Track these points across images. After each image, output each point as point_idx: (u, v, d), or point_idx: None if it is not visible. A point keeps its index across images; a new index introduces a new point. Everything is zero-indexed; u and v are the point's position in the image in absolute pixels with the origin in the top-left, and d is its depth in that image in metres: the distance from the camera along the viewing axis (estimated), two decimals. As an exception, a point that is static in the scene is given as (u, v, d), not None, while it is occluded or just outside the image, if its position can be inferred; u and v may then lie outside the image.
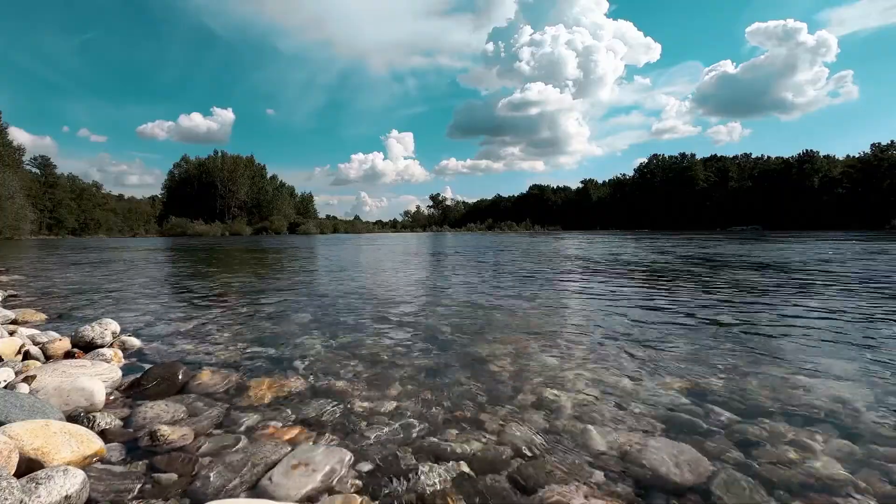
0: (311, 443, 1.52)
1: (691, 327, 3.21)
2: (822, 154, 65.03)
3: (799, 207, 62.10)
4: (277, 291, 5.34)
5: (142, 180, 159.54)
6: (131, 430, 1.61)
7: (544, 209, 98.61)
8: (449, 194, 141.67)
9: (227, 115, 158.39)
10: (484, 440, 1.55)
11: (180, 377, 2.06)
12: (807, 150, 65.34)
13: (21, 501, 1.03)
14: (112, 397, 1.89)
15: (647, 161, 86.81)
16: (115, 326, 2.78)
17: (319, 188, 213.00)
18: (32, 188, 53.14)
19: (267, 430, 1.61)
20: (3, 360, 2.20)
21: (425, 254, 12.83)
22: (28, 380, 1.80)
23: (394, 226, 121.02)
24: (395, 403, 1.86)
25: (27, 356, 2.31)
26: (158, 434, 1.51)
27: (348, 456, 1.40)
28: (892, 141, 58.61)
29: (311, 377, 2.17)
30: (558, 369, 2.29)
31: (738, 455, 1.43)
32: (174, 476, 1.31)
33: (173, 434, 1.53)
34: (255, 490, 1.25)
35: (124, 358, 2.46)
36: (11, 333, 2.64)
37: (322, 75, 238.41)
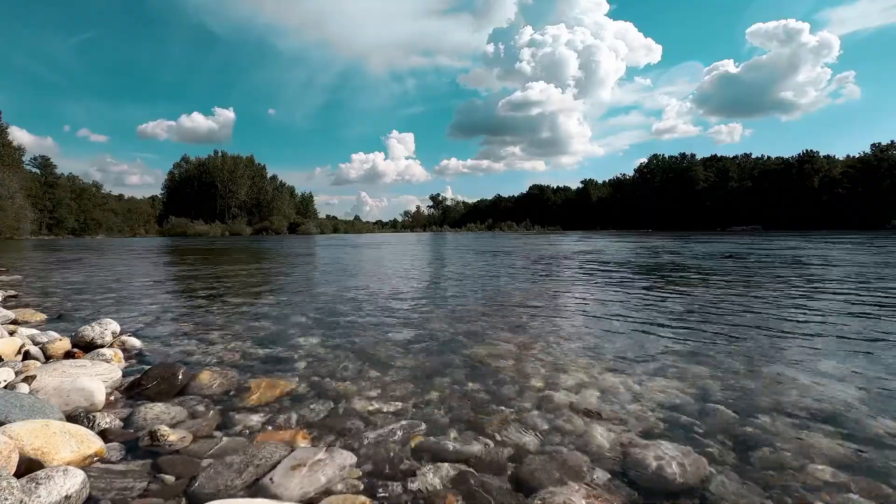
0: (311, 443, 1.52)
1: (691, 328, 3.20)
2: (822, 154, 64.98)
3: (799, 207, 62.01)
4: (277, 292, 5.34)
5: (142, 180, 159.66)
6: (131, 430, 1.61)
7: (544, 209, 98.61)
8: (449, 194, 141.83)
9: (228, 114, 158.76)
10: (484, 440, 1.55)
11: (180, 378, 2.05)
12: (807, 150, 65.27)
13: (21, 501, 1.03)
14: (112, 397, 1.89)
15: (647, 161, 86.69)
16: (115, 326, 2.78)
17: (320, 188, 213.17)
18: (32, 188, 53.11)
19: (267, 431, 1.61)
20: (3, 360, 2.20)
21: (420, 259, 12.83)
22: (28, 380, 1.80)
23: (394, 226, 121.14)
24: (395, 404, 1.86)
25: (27, 356, 2.31)
26: (158, 434, 1.51)
27: (349, 456, 1.40)
28: (892, 141, 58.54)
29: (312, 378, 2.17)
30: (559, 370, 2.29)
31: (738, 456, 1.43)
32: (174, 476, 1.31)
33: (173, 434, 1.53)
34: (255, 490, 1.25)
35: (124, 358, 2.45)
36: (11, 333, 2.64)
37: (322, 75, 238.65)
